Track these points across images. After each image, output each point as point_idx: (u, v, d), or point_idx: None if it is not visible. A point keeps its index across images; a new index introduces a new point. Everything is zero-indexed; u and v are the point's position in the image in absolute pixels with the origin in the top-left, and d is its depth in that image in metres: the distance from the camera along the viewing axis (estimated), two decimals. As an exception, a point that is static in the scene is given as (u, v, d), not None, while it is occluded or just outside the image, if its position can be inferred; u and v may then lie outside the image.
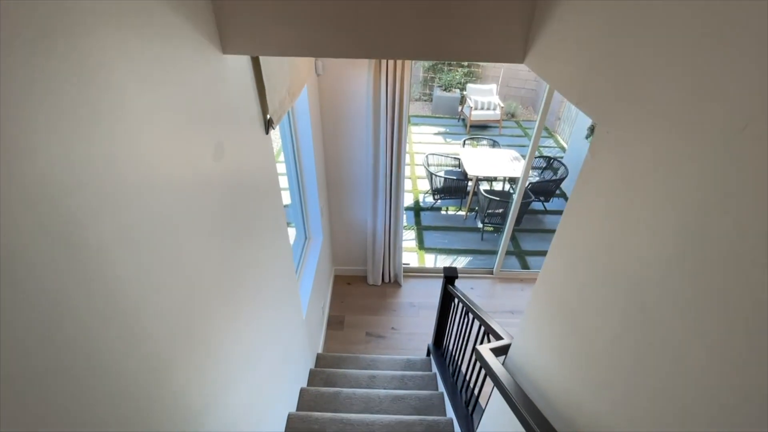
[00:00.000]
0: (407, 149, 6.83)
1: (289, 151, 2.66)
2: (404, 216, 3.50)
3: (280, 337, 1.91)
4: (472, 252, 4.54)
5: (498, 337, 1.48)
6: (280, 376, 1.94)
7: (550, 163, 5.35)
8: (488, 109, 7.60)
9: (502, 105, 7.63)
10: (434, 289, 3.90)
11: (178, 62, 0.90)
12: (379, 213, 3.41)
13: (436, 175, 4.88)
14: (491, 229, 4.92)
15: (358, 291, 3.87)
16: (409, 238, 4.69)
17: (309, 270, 2.87)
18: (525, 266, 4.34)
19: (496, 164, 5.02)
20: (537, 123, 3.24)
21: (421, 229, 4.88)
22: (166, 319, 0.86)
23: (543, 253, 4.51)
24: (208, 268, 1.08)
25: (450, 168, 5.53)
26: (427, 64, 8.60)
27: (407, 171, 6.04)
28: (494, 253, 4.48)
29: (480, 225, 4.94)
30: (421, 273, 4.09)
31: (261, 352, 1.60)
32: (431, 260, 4.39)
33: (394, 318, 3.62)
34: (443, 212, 5.23)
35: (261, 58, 1.49)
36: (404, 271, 3.98)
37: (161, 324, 0.84)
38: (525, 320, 1.21)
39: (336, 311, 3.65)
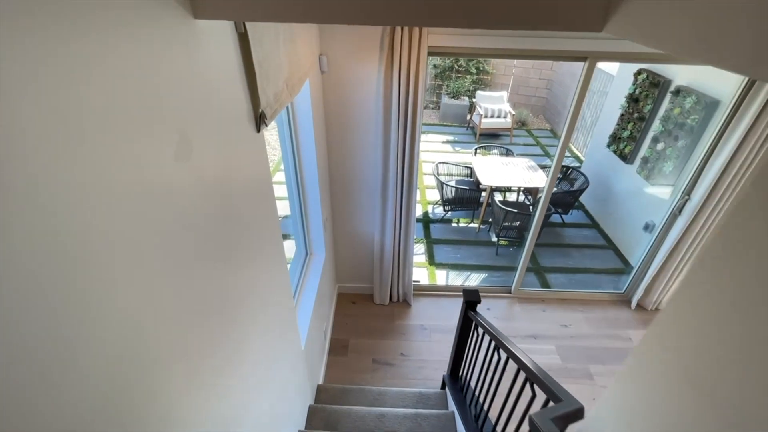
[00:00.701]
0: (415, 158, 6.57)
1: (288, 157, 2.36)
2: (414, 230, 3.18)
3: (273, 383, 1.57)
4: (487, 268, 4.19)
5: (553, 396, 1.15)
6: (271, 425, 1.60)
7: (568, 173, 5.03)
8: (499, 116, 7.31)
9: (513, 113, 7.34)
10: (447, 310, 3.55)
11: (126, 26, 0.60)
12: (387, 226, 3.09)
13: (446, 185, 4.57)
14: (506, 243, 4.58)
15: (364, 311, 3.52)
16: (418, 252, 4.35)
17: (310, 290, 2.54)
18: (545, 284, 3.99)
19: (511, 174, 4.71)
20: (564, 131, 2.94)
21: (431, 242, 4.54)
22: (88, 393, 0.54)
23: (564, 270, 4.14)
24: (166, 312, 0.76)
25: (461, 178, 5.22)
26: (434, 71, 8.37)
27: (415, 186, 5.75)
28: (511, 269, 4.13)
29: (495, 239, 4.60)
30: (432, 291, 3.75)
31: (248, 409, 1.27)
32: (442, 277, 4.04)
33: (404, 342, 3.27)
34: (454, 224, 4.91)
35: (252, 39, 1.19)
36: (414, 289, 3.64)
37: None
38: (620, 388, 0.87)
39: (339, 334, 3.31)
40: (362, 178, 2.98)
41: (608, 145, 4.68)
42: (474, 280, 4.02)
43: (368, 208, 3.14)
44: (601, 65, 6.82)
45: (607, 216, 4.82)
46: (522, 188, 5.25)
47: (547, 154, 7.16)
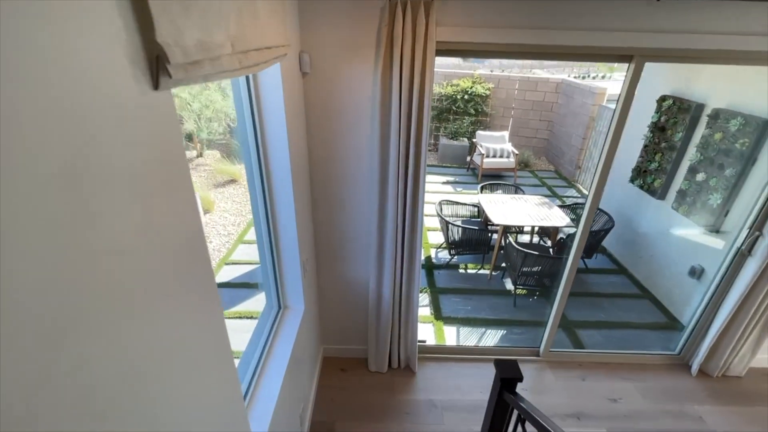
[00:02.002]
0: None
1: (255, 178, 1.77)
2: (419, 277, 2.52)
3: None
4: (506, 323, 3.47)
5: None
6: None
7: (587, 211, 4.47)
8: (501, 156, 6.93)
9: (516, 152, 6.97)
10: (462, 378, 2.79)
11: None
12: (386, 273, 2.44)
13: (452, 224, 3.97)
14: (525, 292, 3.90)
15: (356, 382, 2.75)
16: (422, 304, 3.65)
17: (279, 357, 1.84)
18: (578, 344, 3.26)
19: (524, 212, 4.14)
20: (603, 157, 2.40)
21: (436, 292, 3.85)
22: None
23: (598, 326, 3.40)
24: None
25: (466, 218, 4.64)
26: (431, 112, 8.12)
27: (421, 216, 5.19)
28: (536, 325, 3.42)
29: (512, 287, 3.92)
30: (441, 354, 3.00)
31: None
32: (452, 335, 3.31)
33: (408, 425, 2.48)
34: (462, 270, 4.24)
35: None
36: (419, 352, 2.90)
37: None
38: None
39: (322, 415, 2.52)
40: (354, 208, 2.38)
41: (632, 180, 4.17)
42: (490, 337, 3.29)
43: (362, 246, 2.51)
44: (606, 102, 6.58)
45: (637, 260, 4.19)
46: (537, 229, 4.68)
47: (555, 195, 6.68)
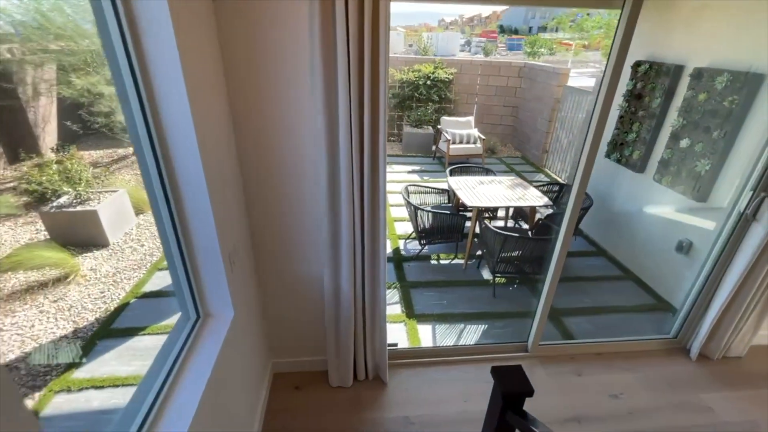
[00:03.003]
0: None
1: (142, 142, 1.21)
2: (385, 270, 2.04)
3: None
4: (487, 317, 3.07)
5: None
6: None
7: (562, 193, 4.19)
8: (468, 142, 6.60)
9: (482, 137, 6.67)
10: (441, 385, 2.34)
11: None
12: (343, 268, 1.95)
13: (421, 210, 3.53)
14: (503, 280, 3.53)
15: (314, 402, 2.23)
16: (391, 301, 3.18)
17: (194, 379, 1.30)
18: (566, 334, 2.91)
19: (499, 193, 3.77)
20: (593, 127, 2.01)
21: (407, 286, 3.39)
22: None
23: (585, 312, 2.98)
24: None
25: (436, 205, 4.23)
26: (392, 100, 7.72)
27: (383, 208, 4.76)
28: (521, 316, 3.04)
29: (490, 276, 3.54)
30: (416, 359, 2.54)
31: None
32: (427, 334, 2.86)
33: (379, 452, 1.99)
34: (434, 261, 3.81)
35: None
36: (390, 358, 2.43)
37: None
38: None
39: (271, 449, 1.98)
40: (298, 190, 1.86)
41: (607, 154, 3.92)
42: (471, 333, 2.87)
43: (313, 237, 2.00)
44: (574, 81, 6.42)
45: (617, 239, 3.94)
46: (512, 212, 4.34)
47: (526, 180, 6.41)
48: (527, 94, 7.50)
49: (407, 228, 4.38)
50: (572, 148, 5.99)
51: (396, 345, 2.55)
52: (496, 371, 1.13)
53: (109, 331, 2.43)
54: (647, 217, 3.55)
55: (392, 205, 5.02)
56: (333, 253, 1.92)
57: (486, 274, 3.61)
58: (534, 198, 3.69)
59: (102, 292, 2.62)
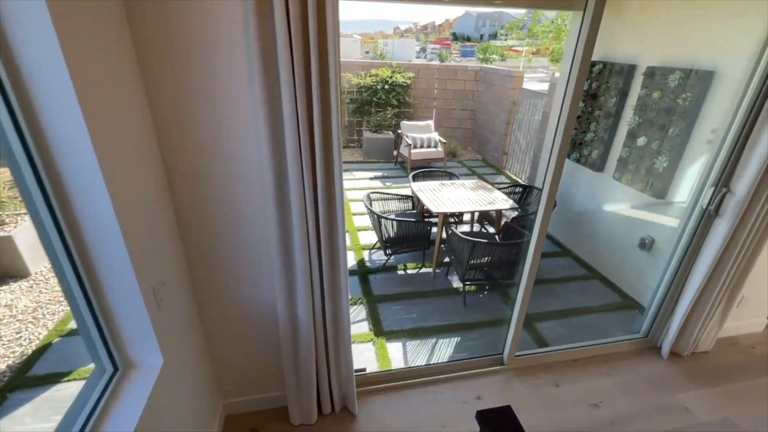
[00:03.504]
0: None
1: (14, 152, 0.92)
2: (348, 289, 1.81)
3: None
4: (458, 328, 2.91)
5: None
6: None
7: (525, 194, 4.16)
8: (429, 146, 6.53)
9: (443, 140, 6.62)
10: (416, 410, 2.12)
11: None
12: (298, 290, 1.70)
13: (385, 218, 3.34)
14: (473, 288, 3.40)
15: (273, 446, 1.95)
16: (357, 319, 2.95)
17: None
18: (540, 341, 2.81)
19: (464, 197, 3.66)
20: (562, 124, 1.91)
21: (373, 301, 3.17)
22: None
23: (555, 315, 2.89)
24: None
25: (400, 212, 4.06)
26: (351, 105, 7.52)
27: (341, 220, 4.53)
28: (491, 325, 2.91)
29: (459, 284, 3.40)
30: (387, 383, 2.32)
31: None
32: (398, 353, 2.65)
33: (350, 499, 1.75)
34: (401, 272, 3.63)
35: None
36: (359, 385, 2.19)
37: None
38: None
39: None
40: (240, 200, 1.59)
41: (567, 155, 3.92)
42: (444, 348, 2.70)
43: (260, 259, 1.73)
44: (525, 85, 6.53)
45: (581, 238, 3.95)
46: (477, 216, 4.25)
47: (488, 183, 6.42)
48: (484, 97, 7.57)
49: (371, 237, 4.17)
50: (530, 149, 6.06)
51: (364, 370, 2.32)
52: (482, 417, 0.94)
53: (24, 379, 2.02)
54: (609, 216, 3.57)
55: (355, 214, 4.80)
56: (286, 275, 1.67)
57: (455, 282, 3.47)
58: (500, 201, 3.61)
59: (18, 333, 2.21)
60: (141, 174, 1.25)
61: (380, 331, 2.83)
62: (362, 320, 2.94)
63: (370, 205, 3.68)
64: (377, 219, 3.34)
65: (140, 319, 1.23)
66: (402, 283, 3.44)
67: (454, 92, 7.86)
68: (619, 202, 3.42)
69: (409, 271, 3.63)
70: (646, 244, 3.13)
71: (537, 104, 5.92)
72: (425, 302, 3.20)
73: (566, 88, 1.82)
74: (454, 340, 2.79)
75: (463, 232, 3.39)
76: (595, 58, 3.56)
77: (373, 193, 3.83)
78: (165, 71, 1.29)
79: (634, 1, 3.20)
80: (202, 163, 1.47)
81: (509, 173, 6.78)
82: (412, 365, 2.49)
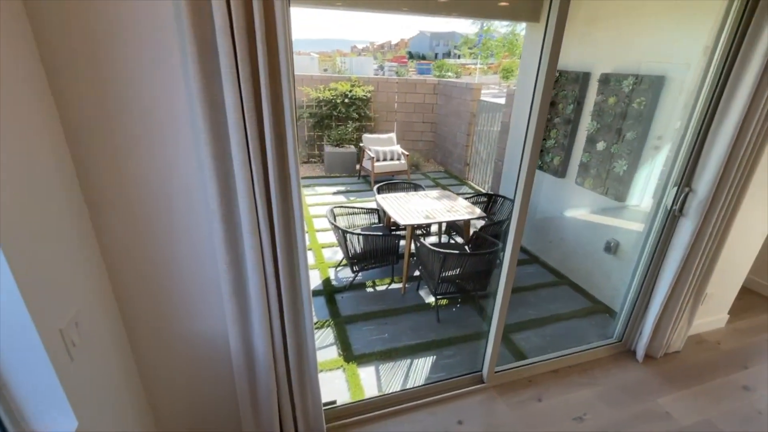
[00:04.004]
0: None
1: None
2: (312, 314, 1.60)
3: None
4: (433, 346, 2.75)
5: None
6: None
7: (491, 203, 4.14)
8: (392, 159, 6.45)
9: (406, 153, 6.58)
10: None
11: None
12: (254, 316, 1.47)
13: (351, 233, 3.15)
14: (445, 302, 3.27)
15: (229, 506, 1.66)
16: (324, 344, 2.71)
17: None
18: (518, 353, 2.71)
19: (431, 208, 3.56)
20: (532, 129, 1.85)
21: (342, 323, 2.95)
22: None
23: (531, 325, 2.79)
24: None
25: (366, 227, 3.89)
26: (311, 119, 7.34)
27: (301, 238, 4.28)
28: (466, 340, 2.78)
29: (431, 299, 3.25)
30: (360, 414, 2.09)
31: None
32: (371, 379, 2.44)
33: None
34: (369, 289, 3.43)
35: None
36: (329, 419, 1.96)
37: None
38: None
39: None
40: (180, 217, 1.35)
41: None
42: (420, 369, 2.52)
43: (205, 279, 1.49)
44: (486, 96, 6.66)
45: (547, 245, 3.96)
46: (444, 227, 4.17)
47: (454, 194, 6.42)
48: (444, 109, 7.66)
49: (337, 254, 3.96)
50: (491, 159, 6.14)
51: (334, 402, 2.08)
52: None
53: None
54: (574, 221, 3.60)
55: (318, 230, 4.56)
56: (237, 301, 1.44)
57: (427, 297, 3.32)
58: (466, 210, 3.53)
59: None
60: (42, 192, 1.00)
61: (350, 355, 2.61)
62: (330, 345, 2.70)
63: (334, 220, 3.48)
64: (342, 234, 3.15)
65: (43, 376, 0.96)
66: (371, 301, 3.24)
67: (414, 105, 7.90)
68: (582, 207, 3.45)
69: (378, 288, 3.44)
70: (612, 248, 3.15)
71: (495, 115, 6.04)
72: (397, 320, 3.01)
73: (533, 97, 1.77)
74: (430, 359, 2.62)
75: (432, 244, 3.27)
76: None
77: (336, 207, 3.64)
78: (82, 82, 1.06)
79: (579, 12, 3.30)
80: (133, 179, 1.22)
81: (472, 184, 6.83)
82: (387, 392, 2.29)
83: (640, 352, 2.56)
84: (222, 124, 1.19)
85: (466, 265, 2.94)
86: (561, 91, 3.47)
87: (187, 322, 1.52)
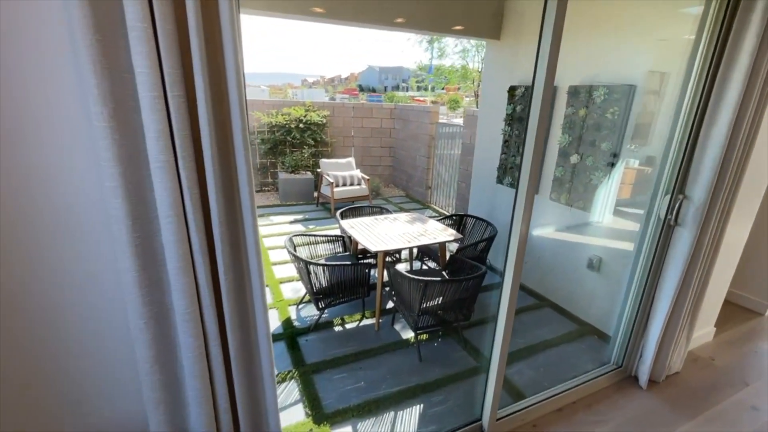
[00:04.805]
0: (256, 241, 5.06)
1: None
2: (272, 367, 1.18)
3: None
4: (418, 392, 2.35)
5: None
6: None
7: (463, 222, 3.91)
8: (352, 184, 6.14)
9: (366, 177, 6.30)
10: None
11: None
12: (187, 390, 1.01)
13: (315, 264, 2.73)
14: (426, 336, 2.90)
15: None
16: (288, 402, 2.21)
17: None
18: (514, 391, 2.37)
19: (402, 231, 3.24)
20: (531, 144, 1.63)
21: (308, 372, 2.47)
22: None
23: (521, 356, 2.53)
24: None
25: (330, 256, 3.47)
26: (264, 146, 6.89)
27: (256, 273, 3.77)
28: (458, 380, 2.42)
29: (411, 335, 2.87)
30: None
31: None
32: (349, 443, 1.98)
33: None
34: (338, 328, 2.98)
35: None
36: None
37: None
38: None
39: None
40: (76, 262, 0.91)
41: (499, 180, 3.81)
42: (407, 423, 2.10)
43: (117, 344, 1.02)
44: (444, 120, 6.62)
45: (525, 266, 3.73)
46: (416, 252, 3.85)
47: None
48: (402, 133, 7.56)
49: (299, 290, 3.48)
50: (454, 181, 6.03)
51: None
52: None
53: None
54: (551, 239, 3.43)
55: (275, 264, 4.06)
56: (162, 376, 0.98)
57: (404, 332, 2.93)
58: (440, 232, 3.25)
59: None
60: None
61: (321, 414, 2.13)
62: (294, 403, 2.21)
63: (294, 250, 3.04)
64: (305, 266, 2.71)
65: None
66: (342, 343, 2.79)
67: (371, 130, 7.74)
68: (560, 224, 3.31)
69: (348, 326, 3.00)
70: (594, 265, 2.99)
71: (455, 137, 5.98)
72: (373, 363, 2.59)
73: (528, 117, 1.55)
74: (417, 408, 2.21)
75: (408, 271, 2.92)
76: (514, 83, 3.56)
77: (296, 236, 3.21)
78: None
79: (529, 32, 3.27)
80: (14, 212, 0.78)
81: (435, 207, 6.66)
82: (371, 460, 1.84)
83: (644, 378, 2.33)
84: (133, 123, 0.79)
85: (449, 293, 2.61)
86: (528, 106, 3.37)
87: (83, 410, 1.02)
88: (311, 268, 2.73)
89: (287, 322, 3.01)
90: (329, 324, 3.00)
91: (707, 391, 2.33)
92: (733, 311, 3.20)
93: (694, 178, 1.98)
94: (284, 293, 3.46)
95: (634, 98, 2.59)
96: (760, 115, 1.82)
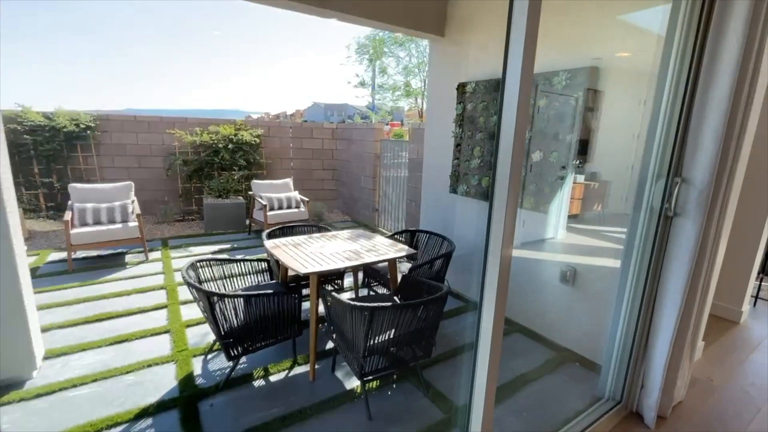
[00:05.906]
0: (160, 279, 4.27)
1: None
2: None
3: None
4: (368, 470, 1.65)
5: None
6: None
7: (416, 237, 3.38)
8: (289, 207, 5.43)
9: (306, 199, 5.63)
10: None
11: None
12: None
13: (221, 296, 2.00)
14: (377, 383, 2.23)
15: None
16: None
17: None
18: (496, 450, 1.76)
19: (343, 249, 2.61)
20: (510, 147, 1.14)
21: (204, 458, 1.67)
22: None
23: (501, 398, 2.01)
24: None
25: (249, 287, 2.73)
26: (186, 168, 6.00)
27: (154, 318, 2.93)
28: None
29: (356, 383, 2.18)
30: None
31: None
32: None
33: None
34: (259, 382, 2.21)
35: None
36: None
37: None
38: None
39: None
40: None
41: (453, 189, 3.36)
42: None
43: None
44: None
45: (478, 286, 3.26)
46: (364, 280, 3.22)
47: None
48: (345, 154, 7.07)
49: (204, 334, 2.67)
50: (402, 201, 5.57)
51: None
52: None
53: None
54: (516, 252, 2.99)
55: (185, 303, 3.20)
56: None
57: (347, 380, 2.24)
58: (388, 248, 2.67)
59: None
60: None
61: None
62: None
63: (196, 279, 2.28)
64: (207, 300, 1.97)
65: None
66: (262, 404, 2.03)
67: (312, 151, 7.16)
68: (526, 234, 2.88)
69: (273, 378, 2.25)
70: (569, 278, 2.56)
71: (402, 153, 5.58)
72: (310, 427, 1.85)
73: (501, 111, 1.06)
74: (366, 497, 1.51)
75: (350, 299, 2.27)
76: (462, 79, 3.21)
77: (200, 261, 2.44)
78: None
79: (486, 18, 3.00)
80: None
81: (384, 230, 6.12)
82: None
83: (650, 414, 1.85)
84: None
85: (403, 323, 1.99)
86: (479, 103, 3.02)
87: None
88: (218, 302, 1.99)
89: (186, 381, 2.19)
90: (247, 378, 2.23)
91: (722, 423, 1.90)
92: (709, 322, 2.92)
93: (692, 156, 1.61)
94: (191, 340, 2.62)
95: (598, 80, 2.29)
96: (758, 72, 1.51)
